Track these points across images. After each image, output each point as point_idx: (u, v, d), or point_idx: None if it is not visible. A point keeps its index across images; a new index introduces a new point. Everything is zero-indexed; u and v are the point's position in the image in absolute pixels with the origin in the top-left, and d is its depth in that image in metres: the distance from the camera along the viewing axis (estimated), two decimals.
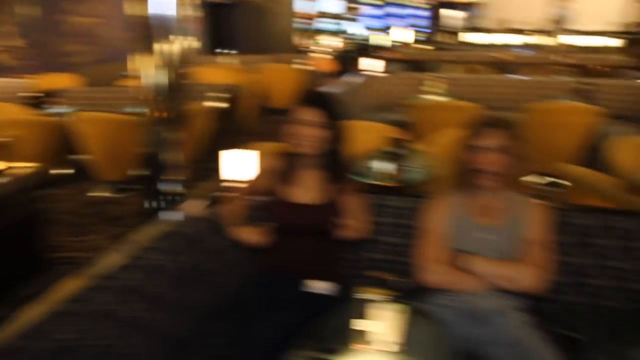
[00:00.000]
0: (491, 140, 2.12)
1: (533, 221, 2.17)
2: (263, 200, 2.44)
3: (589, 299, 2.38)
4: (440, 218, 2.23)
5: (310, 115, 2.22)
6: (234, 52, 9.17)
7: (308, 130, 2.21)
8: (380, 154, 3.18)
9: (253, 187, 2.48)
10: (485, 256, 2.11)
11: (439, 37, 16.14)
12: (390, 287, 1.58)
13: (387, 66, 8.55)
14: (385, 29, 15.51)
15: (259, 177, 2.45)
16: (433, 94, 6.17)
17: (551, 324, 2.30)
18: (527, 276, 2.07)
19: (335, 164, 2.32)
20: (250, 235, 2.38)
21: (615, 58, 10.28)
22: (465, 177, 2.20)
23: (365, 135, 3.60)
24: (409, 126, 5.60)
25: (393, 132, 3.33)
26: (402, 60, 9.52)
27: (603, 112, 6.26)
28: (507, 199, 2.22)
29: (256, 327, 2.03)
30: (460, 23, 17.47)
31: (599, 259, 2.37)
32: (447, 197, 2.29)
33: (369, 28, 15.71)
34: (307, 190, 2.32)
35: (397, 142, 3.09)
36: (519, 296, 2.14)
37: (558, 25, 8.76)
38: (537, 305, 2.39)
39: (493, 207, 2.20)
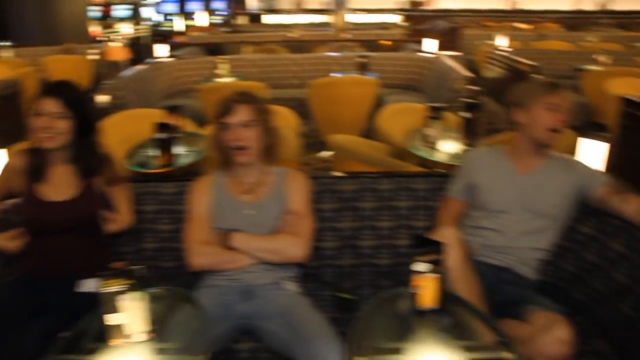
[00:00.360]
0: (238, 116, 2.13)
1: (295, 192, 2.23)
2: (13, 203, 2.27)
3: (360, 260, 2.53)
4: (203, 199, 2.21)
5: (47, 106, 2.07)
6: (8, 43, 8.39)
7: (46, 122, 2.06)
8: (152, 141, 3.09)
9: None
10: (249, 232, 2.14)
11: (240, 20, 16.12)
12: (132, 276, 1.53)
13: (182, 51, 8.37)
14: (181, 13, 15.15)
15: (2, 178, 2.25)
16: (225, 76, 6.17)
17: (326, 288, 2.43)
18: (291, 246, 2.12)
19: (86, 155, 2.20)
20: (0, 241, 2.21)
21: (397, 32, 11.03)
22: (224, 156, 2.20)
23: (139, 123, 3.50)
24: (199, 110, 5.59)
25: (167, 118, 3.24)
26: (199, 44, 9.38)
27: (384, 83, 6.74)
28: (268, 173, 2.26)
29: (16, 336, 1.88)
30: (258, 5, 17.61)
31: (367, 221, 2.52)
32: (210, 177, 2.29)
33: (164, 13, 15.26)
34: (57, 186, 2.18)
35: (169, 128, 3.02)
36: (289, 266, 2.21)
37: (343, 5, 9.17)
38: (311, 273, 2.51)
39: (254, 182, 2.23)
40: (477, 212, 2.30)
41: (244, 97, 2.17)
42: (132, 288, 1.53)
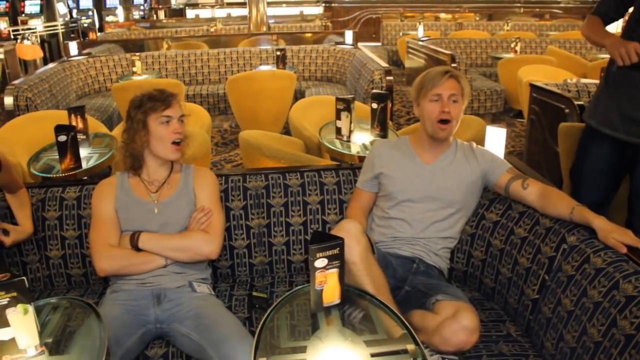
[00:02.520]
0: (176, 110, 2.10)
1: (203, 189, 2.18)
2: None
3: (273, 257, 2.49)
4: (108, 201, 2.12)
5: None
6: None
7: None
8: (54, 145, 2.95)
9: None
10: (159, 232, 2.07)
11: (160, 15, 15.74)
12: (14, 288, 1.44)
13: (99, 48, 8.08)
14: (99, 8, 14.64)
15: None
16: (141, 74, 6.00)
17: (240, 287, 2.39)
18: (201, 243, 2.07)
19: None
20: None
21: (318, 25, 11.04)
22: (132, 157, 2.12)
23: (43, 126, 3.33)
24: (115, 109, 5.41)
25: (70, 120, 3.11)
26: (116, 41, 9.09)
27: (304, 76, 6.74)
28: (175, 171, 2.20)
29: None
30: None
31: (278, 217, 2.47)
32: (114, 178, 2.20)
33: (81, 9, 14.71)
34: None
35: (70, 130, 2.88)
36: (201, 268, 2.16)
37: None
38: (224, 273, 2.46)
39: (161, 181, 2.17)
40: (386, 202, 2.29)
41: (164, 95, 2.09)
42: (16, 300, 1.44)
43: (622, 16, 2.59)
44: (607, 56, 2.57)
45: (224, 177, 2.48)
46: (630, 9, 2.50)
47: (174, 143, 2.09)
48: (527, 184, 2.15)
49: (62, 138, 2.83)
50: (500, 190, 2.25)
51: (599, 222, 1.88)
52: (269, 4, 10.02)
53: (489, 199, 2.33)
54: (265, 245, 2.48)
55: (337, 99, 3.10)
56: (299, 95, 6.18)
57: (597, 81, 4.76)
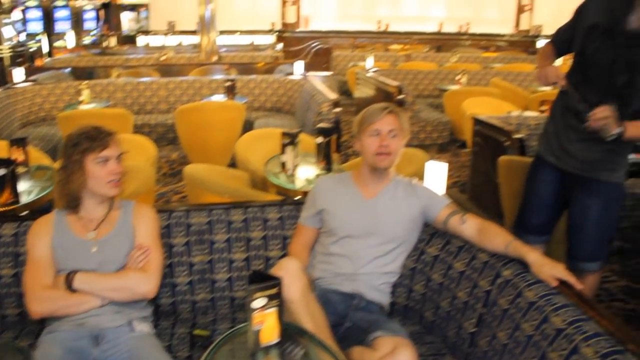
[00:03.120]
0: (114, 150, 2.07)
1: (142, 226, 2.16)
2: None
3: (215, 294, 2.47)
4: (43, 240, 2.07)
5: None
6: None
7: None
8: None
9: None
10: (96, 271, 2.04)
11: (111, 42, 15.58)
12: None
13: (46, 75, 7.93)
14: (47, 33, 14.38)
15: None
16: (88, 102, 5.92)
17: (182, 325, 2.36)
18: (139, 283, 2.04)
19: None
20: None
21: (270, 54, 11.12)
22: (69, 196, 2.09)
23: None
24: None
25: (10, 152, 3.04)
26: (65, 68, 8.95)
27: (254, 107, 6.76)
28: (114, 208, 2.17)
29: None
30: (131, 25, 17.11)
31: (221, 253, 2.46)
32: (51, 216, 2.15)
33: (29, 33, 14.42)
34: None
35: (9, 163, 2.81)
36: (140, 306, 2.12)
37: (211, 26, 9.10)
38: (165, 310, 2.42)
39: (99, 218, 2.13)
40: (327, 238, 2.32)
41: (100, 132, 2.07)
42: None
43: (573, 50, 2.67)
44: (547, 88, 2.69)
45: (167, 213, 2.46)
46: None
47: (111, 182, 2.07)
48: (465, 219, 2.21)
49: (0, 172, 2.76)
50: (440, 226, 2.30)
51: (532, 257, 1.94)
52: (221, 32, 10.08)
53: (429, 234, 2.38)
54: (208, 281, 2.46)
55: (283, 134, 3.13)
56: (248, 125, 6.19)
57: (537, 113, 4.95)
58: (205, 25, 8.99)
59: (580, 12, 2.51)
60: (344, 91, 10.29)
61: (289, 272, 1.83)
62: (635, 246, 4.44)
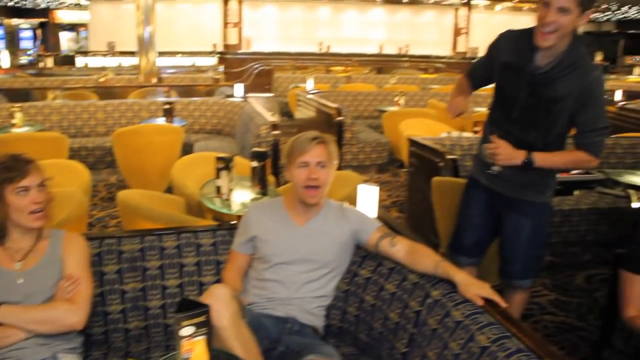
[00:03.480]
0: (35, 178, 2.02)
1: (71, 255, 2.11)
2: None
3: (149, 321, 2.44)
4: None
5: None
6: None
7: None
8: None
9: None
10: (23, 303, 1.98)
11: (48, 62, 15.22)
12: None
13: None
14: None
15: None
16: (23, 125, 5.75)
17: (115, 355, 2.31)
18: (66, 314, 2.00)
19: None
20: None
21: (211, 76, 11.09)
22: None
23: None
24: None
25: None
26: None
27: (194, 129, 6.72)
28: (43, 238, 2.13)
29: None
30: (70, 45, 16.80)
31: (154, 280, 2.43)
32: None
33: None
34: None
35: None
36: (68, 337, 2.07)
37: (150, 47, 9.02)
38: (96, 340, 2.37)
39: (27, 249, 2.08)
40: (260, 264, 2.32)
41: (20, 161, 2.02)
42: None
43: (488, 84, 2.77)
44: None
45: (98, 241, 2.42)
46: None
47: (33, 212, 2.02)
48: (395, 242, 2.25)
49: None
50: (371, 248, 2.33)
51: (460, 277, 2.00)
52: (162, 53, 10.01)
53: (361, 256, 2.41)
54: (141, 309, 2.42)
55: (217, 158, 3.13)
56: (188, 148, 6.15)
57: (471, 134, 5.10)
58: (144, 46, 8.90)
59: (492, 49, 2.60)
60: (286, 112, 10.35)
61: (219, 299, 1.83)
62: (564, 260, 4.62)
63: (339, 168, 6.85)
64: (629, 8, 18.99)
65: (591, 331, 3.46)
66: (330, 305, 2.38)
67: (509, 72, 2.49)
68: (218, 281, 2.41)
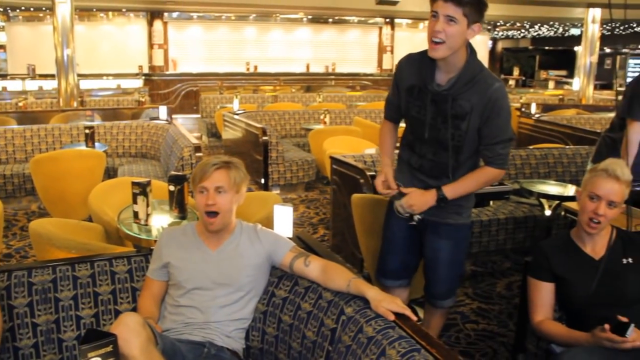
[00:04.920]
0: None
1: None
2: None
3: (63, 354, 2.37)
4: None
5: None
6: None
7: None
8: None
9: None
10: None
11: None
12: None
13: None
14: None
15: None
16: None
17: None
18: None
19: None
20: None
21: (137, 98, 10.90)
22: None
23: None
24: None
25: None
26: None
27: (117, 153, 6.61)
28: None
29: None
30: None
31: (67, 311, 2.37)
32: None
33: None
34: None
35: None
36: None
37: (70, 69, 8.80)
38: None
39: None
40: (175, 291, 2.31)
41: None
42: None
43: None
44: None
45: (5, 274, 2.34)
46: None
47: None
48: (309, 261, 2.29)
49: None
50: (286, 269, 2.36)
51: (372, 293, 2.05)
52: (85, 76, 9.79)
53: (278, 277, 2.43)
54: (55, 342, 2.35)
55: (133, 183, 3.10)
56: (111, 173, 6.05)
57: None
58: (63, 68, 8.68)
59: (396, 77, 2.66)
60: (214, 133, 10.30)
61: (128, 327, 1.81)
62: (485, 269, 4.78)
63: (266, 188, 6.90)
64: (540, 27, 19.92)
65: (511, 337, 3.58)
66: (250, 326, 2.39)
67: (413, 94, 2.54)
68: (135, 309, 2.38)
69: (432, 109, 2.49)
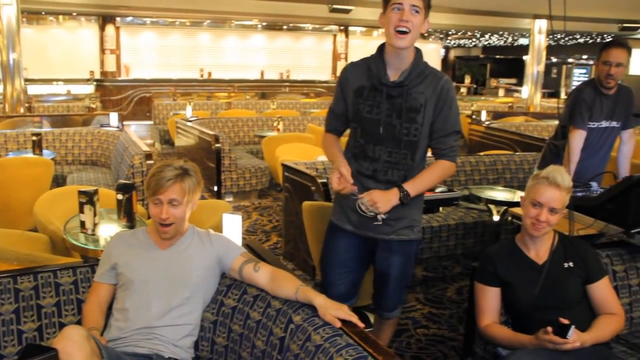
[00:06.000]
0: None
1: None
2: None
3: None
4: None
5: None
6: None
7: None
8: None
9: None
10: None
11: None
12: None
13: None
14: None
15: None
16: None
17: None
18: None
19: None
20: None
21: (88, 104, 10.71)
22: None
23: None
24: None
25: None
26: None
27: (67, 161, 6.47)
28: None
29: None
30: None
31: (9, 325, 2.30)
32: None
33: None
34: None
35: None
36: None
37: (16, 74, 8.58)
38: None
39: None
40: (123, 292, 2.28)
41: None
42: None
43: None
44: None
45: None
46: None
47: None
48: (259, 267, 2.29)
49: None
50: (235, 274, 2.35)
51: (319, 300, 2.06)
52: (33, 81, 9.53)
53: (227, 285, 2.42)
54: None
55: (79, 192, 3.04)
56: (60, 181, 5.91)
57: None
58: (9, 73, 8.45)
59: (341, 83, 2.64)
60: (167, 140, 10.19)
61: (71, 340, 1.77)
62: (436, 274, 4.85)
63: (219, 196, 6.85)
64: (490, 36, 20.38)
65: (461, 341, 3.64)
66: (199, 336, 2.37)
67: (363, 95, 2.53)
68: (80, 321, 2.33)
69: (386, 105, 2.48)
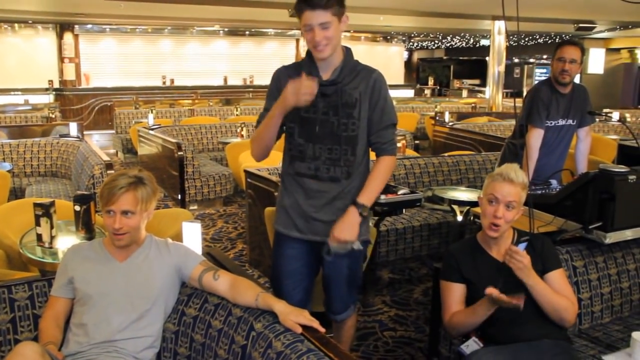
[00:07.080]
0: None
1: None
2: None
3: None
4: None
5: None
6: None
7: None
8: None
9: None
10: None
11: None
12: None
13: None
14: None
15: None
16: None
17: None
18: None
19: None
20: None
21: (47, 114, 10.51)
22: None
23: None
24: None
25: None
26: None
27: (25, 172, 6.34)
28: None
29: None
30: None
31: None
32: None
33: None
34: None
35: None
36: None
37: None
38: None
39: None
40: (81, 307, 2.23)
41: None
42: None
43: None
44: None
45: None
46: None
47: None
48: (218, 275, 2.26)
49: None
50: (195, 283, 2.32)
51: (279, 306, 2.05)
52: None
53: (187, 295, 2.39)
54: None
55: (35, 205, 2.98)
56: (18, 193, 5.79)
57: None
58: None
59: (276, 84, 2.59)
60: (129, 149, 10.06)
61: (25, 357, 1.73)
62: (402, 276, 4.88)
63: (183, 204, 6.78)
64: (452, 38, 20.63)
65: (427, 342, 3.66)
66: (161, 347, 2.33)
67: None
68: (37, 338, 2.27)
69: (322, 103, 2.48)
